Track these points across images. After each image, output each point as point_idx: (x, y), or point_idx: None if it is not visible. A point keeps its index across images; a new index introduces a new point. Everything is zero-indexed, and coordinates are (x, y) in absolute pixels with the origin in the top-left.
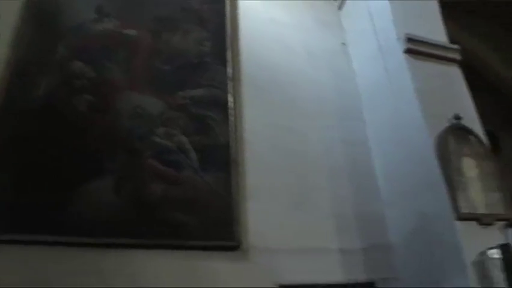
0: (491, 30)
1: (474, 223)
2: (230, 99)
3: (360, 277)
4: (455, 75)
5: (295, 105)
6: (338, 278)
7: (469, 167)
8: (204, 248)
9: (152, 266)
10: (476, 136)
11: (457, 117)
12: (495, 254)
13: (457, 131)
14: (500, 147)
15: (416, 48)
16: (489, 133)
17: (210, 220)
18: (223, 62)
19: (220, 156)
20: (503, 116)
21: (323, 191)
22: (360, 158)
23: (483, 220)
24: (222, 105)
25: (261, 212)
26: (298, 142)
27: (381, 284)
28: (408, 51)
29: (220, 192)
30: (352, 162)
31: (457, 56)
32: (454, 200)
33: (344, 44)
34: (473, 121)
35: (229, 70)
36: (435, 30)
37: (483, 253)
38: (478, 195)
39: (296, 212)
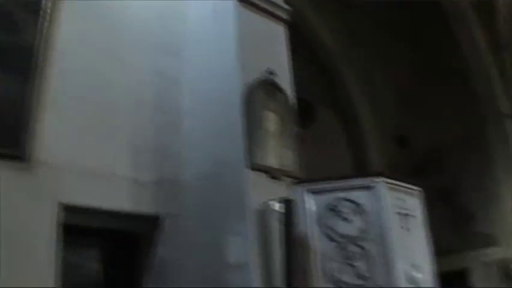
0: (329, 2)
1: (264, 175)
2: (46, 2)
3: (147, 209)
4: (279, 33)
5: (117, 29)
6: (124, 206)
7: (271, 122)
8: None
9: None
10: (284, 95)
11: (270, 73)
12: (277, 206)
13: (268, 85)
14: (315, 118)
15: None
16: (307, 103)
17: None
18: None
19: (23, 59)
20: (323, 88)
21: (125, 119)
22: (170, 94)
23: (273, 173)
24: (36, 6)
25: (57, 127)
26: (111, 66)
27: (166, 218)
28: None
29: (16, 98)
30: (161, 96)
31: (285, 16)
32: (249, 149)
33: None
34: (285, 81)
35: None
36: None
37: (266, 204)
38: (274, 150)
39: (94, 134)
